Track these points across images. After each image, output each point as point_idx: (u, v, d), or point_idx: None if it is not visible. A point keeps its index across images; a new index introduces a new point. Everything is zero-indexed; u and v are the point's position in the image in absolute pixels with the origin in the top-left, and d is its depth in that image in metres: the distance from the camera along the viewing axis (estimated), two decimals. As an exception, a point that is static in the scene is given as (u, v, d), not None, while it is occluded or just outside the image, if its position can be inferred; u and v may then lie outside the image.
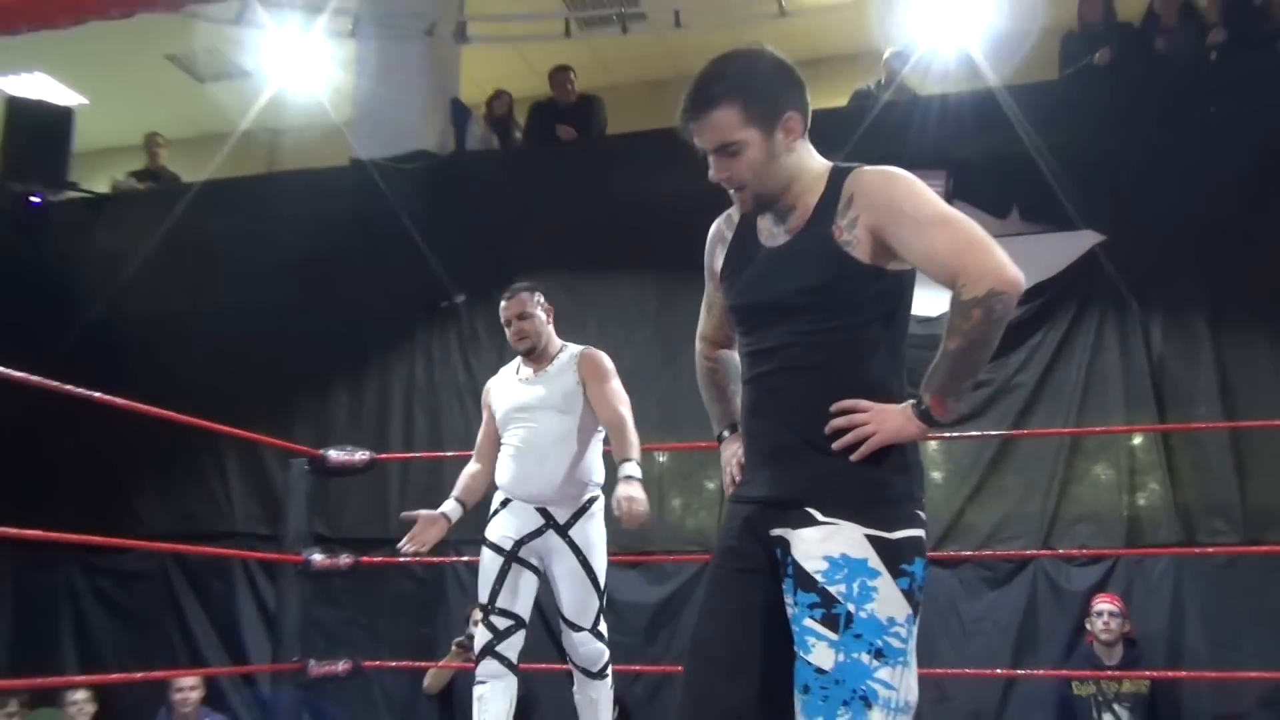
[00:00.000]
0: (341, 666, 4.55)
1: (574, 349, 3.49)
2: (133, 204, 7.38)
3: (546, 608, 5.35)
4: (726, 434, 2.07)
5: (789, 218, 1.83)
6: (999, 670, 4.75)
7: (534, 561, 3.35)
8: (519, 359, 3.53)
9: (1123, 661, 4.50)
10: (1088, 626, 4.61)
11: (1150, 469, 4.94)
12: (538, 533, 3.32)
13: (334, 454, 4.64)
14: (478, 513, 3.54)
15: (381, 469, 5.06)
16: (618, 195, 5.83)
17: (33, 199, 6.96)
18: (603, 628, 3.37)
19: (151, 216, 7.12)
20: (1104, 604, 4.56)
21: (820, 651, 1.66)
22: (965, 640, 4.92)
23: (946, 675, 4.70)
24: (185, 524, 6.18)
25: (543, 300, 3.53)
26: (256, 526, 6.08)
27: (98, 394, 3.65)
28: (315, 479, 4.79)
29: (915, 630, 1.71)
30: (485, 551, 3.38)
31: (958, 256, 1.69)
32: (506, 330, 3.50)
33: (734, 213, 1.96)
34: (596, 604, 3.34)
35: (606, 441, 3.44)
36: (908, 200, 1.74)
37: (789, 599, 1.73)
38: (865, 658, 1.65)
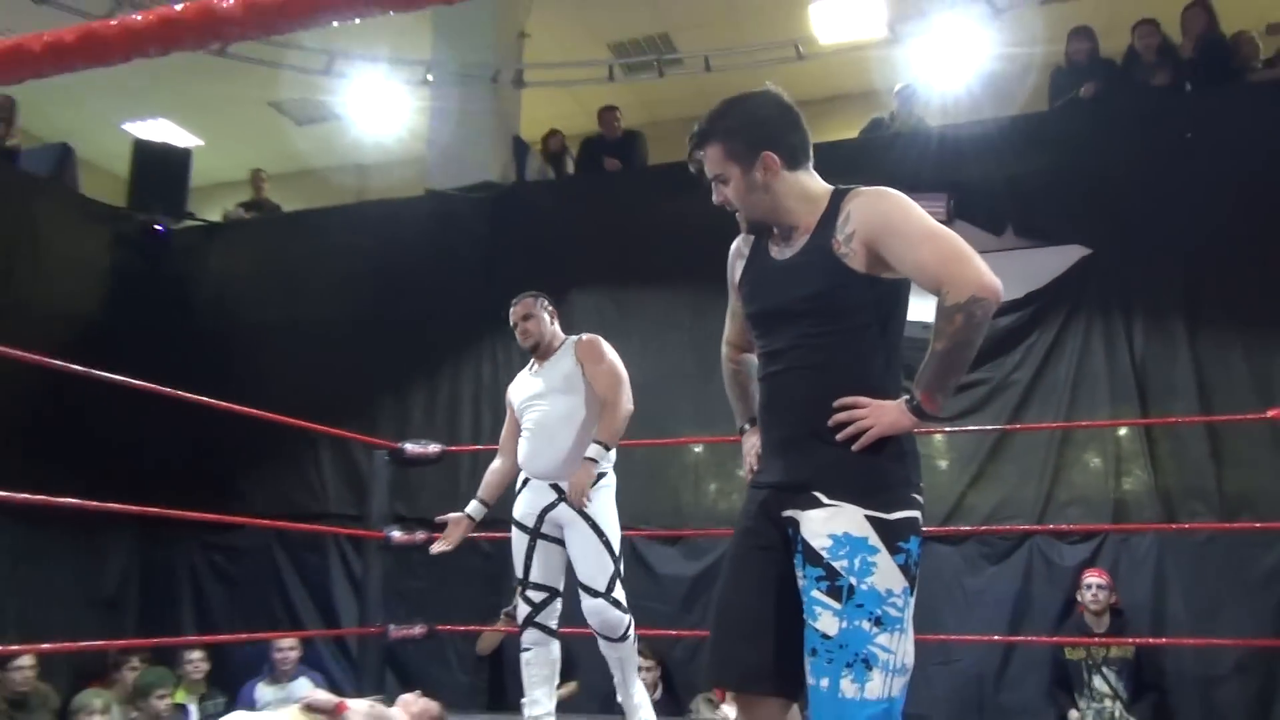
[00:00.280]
0: (418, 630, 4.57)
1: (573, 338, 3.41)
2: (240, 231, 7.47)
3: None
4: (747, 427, 2.08)
5: (793, 235, 1.84)
6: (998, 637, 4.67)
7: (555, 534, 3.26)
8: (532, 360, 3.48)
9: (1110, 629, 4.41)
10: (1078, 598, 4.51)
11: (1134, 457, 4.84)
12: (552, 505, 3.23)
13: (410, 447, 4.67)
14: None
15: (452, 459, 5.07)
16: (657, 219, 5.80)
17: (156, 227, 7.06)
18: (619, 594, 3.18)
19: (256, 241, 7.25)
20: (1093, 578, 4.46)
21: (826, 619, 1.67)
22: (968, 610, 4.84)
23: (951, 641, 4.63)
24: (286, 506, 6.23)
25: (546, 304, 3.45)
26: (346, 508, 6.12)
27: (209, 399, 3.70)
28: (395, 467, 4.82)
29: (912, 601, 1.71)
30: (514, 530, 3.34)
31: (942, 267, 1.70)
32: (515, 332, 3.45)
33: None
34: (610, 569, 3.17)
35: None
36: (898, 216, 1.75)
37: (799, 572, 1.73)
38: (866, 625, 1.65)
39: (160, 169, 7.15)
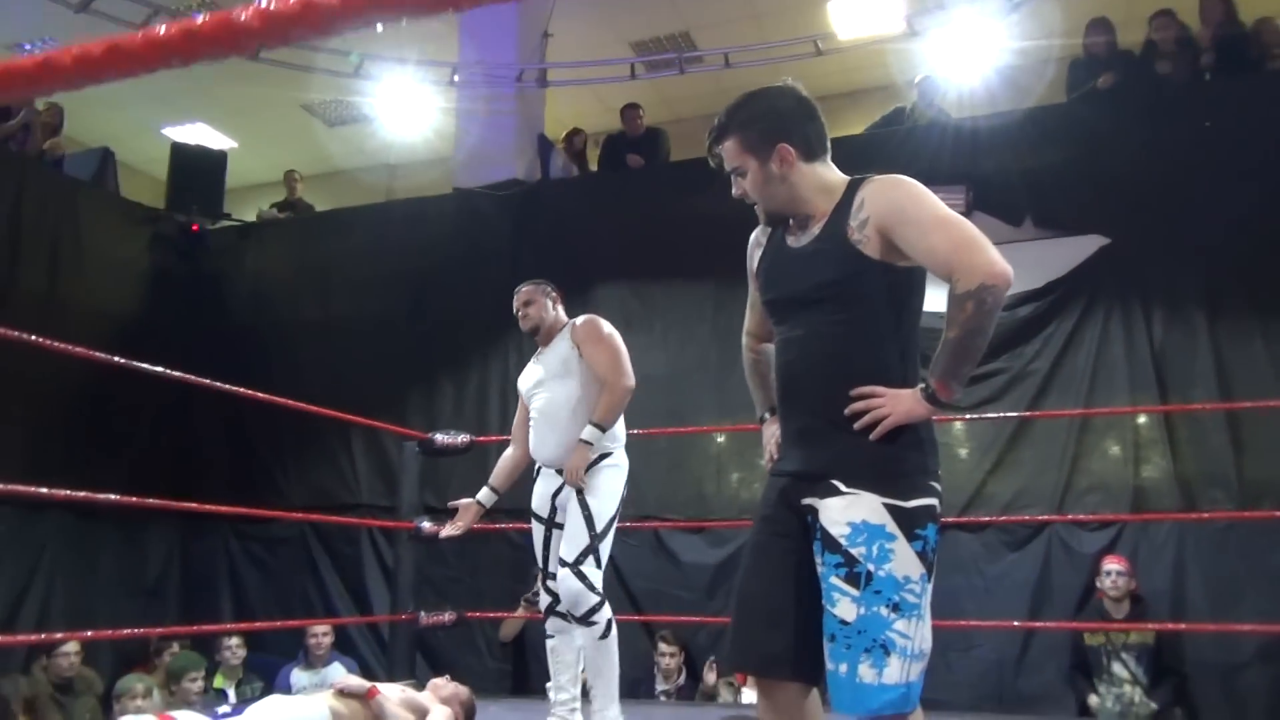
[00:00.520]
0: (448, 617, 4.59)
1: (572, 321, 3.30)
2: (275, 230, 7.53)
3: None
4: (767, 416, 2.07)
5: (810, 223, 1.83)
6: (1018, 623, 4.62)
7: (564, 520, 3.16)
8: (539, 348, 3.40)
9: (1129, 616, 4.35)
10: (1098, 585, 4.46)
11: (1153, 445, 4.77)
12: (559, 490, 3.17)
13: (439, 437, 4.69)
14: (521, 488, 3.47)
15: (480, 449, 5.09)
16: (679, 214, 5.79)
17: (193, 227, 7.14)
18: (588, 570, 2.98)
19: (290, 240, 7.30)
20: (1112, 564, 4.41)
21: (844, 605, 1.66)
22: (988, 597, 4.80)
23: (972, 627, 4.60)
24: (319, 497, 6.28)
25: (550, 290, 3.37)
26: (378, 499, 6.16)
27: (246, 390, 3.73)
28: (425, 458, 4.84)
29: (930, 587, 1.69)
30: (532, 520, 3.29)
31: (953, 253, 1.68)
32: (518, 318, 3.39)
33: None
34: (584, 543, 3.00)
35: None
36: (911, 204, 1.73)
37: (818, 559, 1.72)
38: (884, 611, 1.64)
39: (197, 171, 7.23)
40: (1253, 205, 4.73)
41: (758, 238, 1.99)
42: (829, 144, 1.86)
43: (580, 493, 3.06)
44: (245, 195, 8.63)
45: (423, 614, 4.54)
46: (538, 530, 3.27)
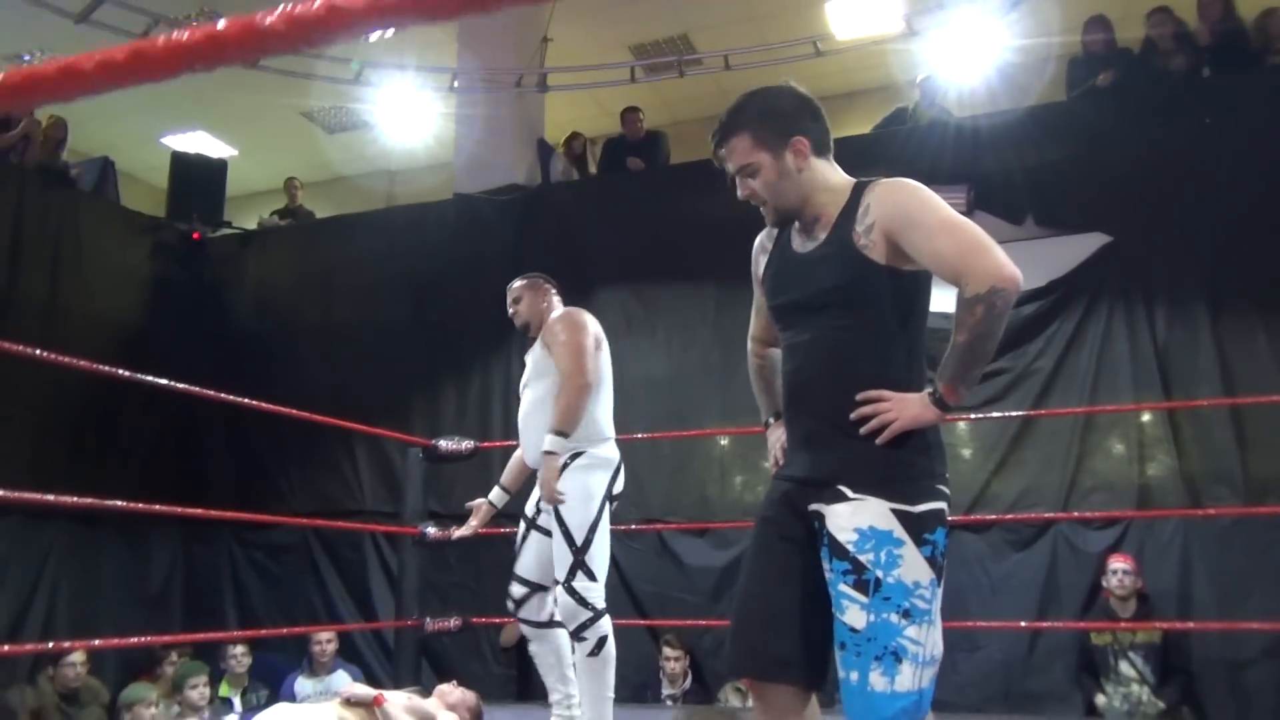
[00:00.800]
0: (453, 623, 4.58)
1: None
2: (275, 237, 7.53)
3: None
4: (772, 420, 2.06)
5: (815, 227, 1.82)
6: (1025, 623, 4.62)
7: (547, 525, 3.05)
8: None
9: (1136, 614, 4.34)
10: (1104, 583, 4.46)
11: (1158, 442, 4.77)
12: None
13: (443, 444, 4.68)
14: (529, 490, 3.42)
15: (484, 455, 5.09)
16: (680, 217, 5.80)
17: (194, 236, 7.15)
18: (581, 586, 2.88)
19: (291, 247, 7.31)
20: (1118, 563, 4.40)
21: (853, 613, 1.64)
22: (994, 597, 4.80)
23: (978, 628, 4.59)
24: (323, 503, 6.29)
25: (541, 283, 3.30)
26: (382, 505, 6.16)
27: (248, 400, 3.74)
28: (428, 464, 4.84)
29: (939, 592, 1.68)
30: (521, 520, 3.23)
31: (961, 258, 1.67)
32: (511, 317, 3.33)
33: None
34: (569, 559, 2.89)
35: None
36: (917, 208, 1.72)
37: (825, 565, 1.70)
38: (894, 618, 1.63)
39: (197, 180, 7.26)
40: (1254, 201, 4.73)
41: (763, 243, 1.98)
42: (832, 144, 1.86)
43: (555, 508, 2.94)
44: (246, 203, 8.64)
45: (428, 620, 4.53)
46: (521, 529, 3.20)
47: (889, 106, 6.43)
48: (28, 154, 6.33)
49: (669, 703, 4.90)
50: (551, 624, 3.13)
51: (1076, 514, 4.75)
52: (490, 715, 3.37)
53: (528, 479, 3.40)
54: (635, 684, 5.19)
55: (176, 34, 0.64)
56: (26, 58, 6.43)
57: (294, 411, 4.09)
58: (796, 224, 1.86)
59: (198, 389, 3.57)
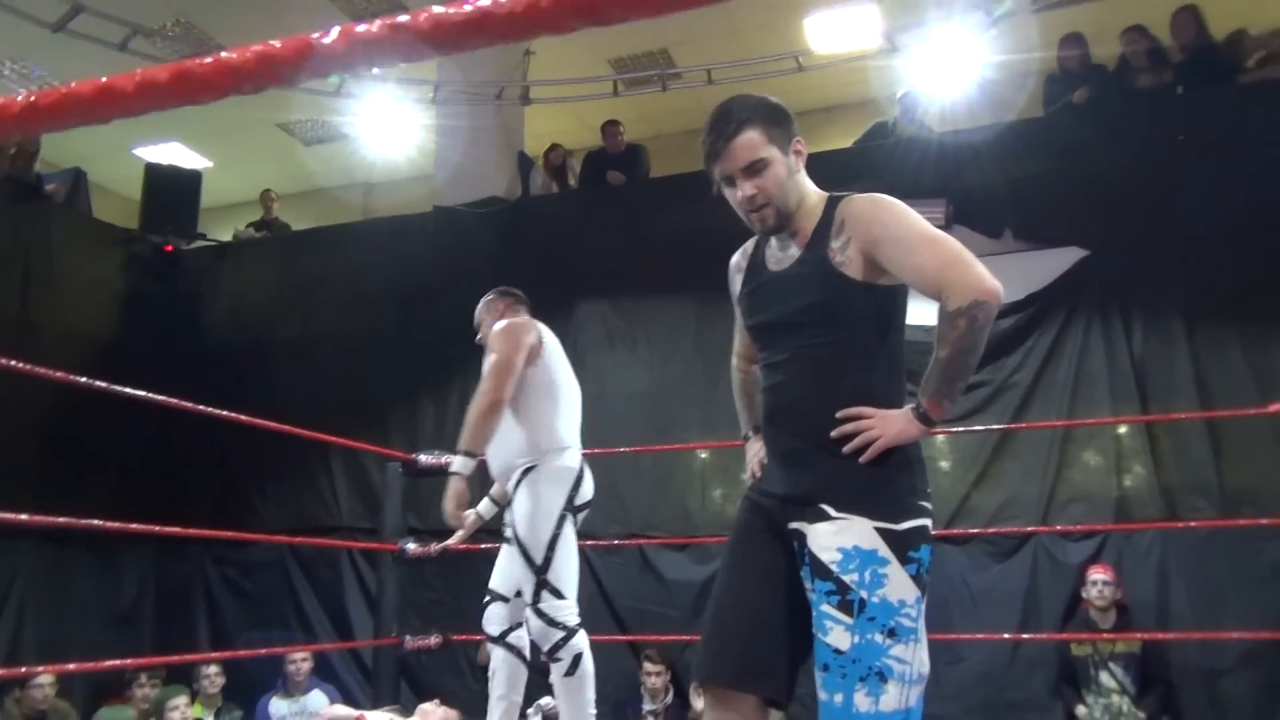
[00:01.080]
0: (434, 640, 4.56)
1: None
2: (251, 250, 7.51)
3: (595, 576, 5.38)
4: (750, 434, 2.07)
5: (791, 244, 1.81)
6: (1006, 635, 4.66)
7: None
8: None
9: (1116, 625, 4.40)
10: (1083, 594, 4.51)
11: (1135, 454, 4.84)
12: (509, 504, 3.01)
13: (423, 458, 4.63)
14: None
15: (464, 469, 5.07)
16: (661, 229, 5.83)
17: (168, 248, 7.11)
18: (548, 606, 2.79)
19: (266, 260, 7.29)
20: (1098, 574, 4.46)
21: (838, 634, 1.63)
22: (975, 609, 4.84)
23: (960, 640, 4.63)
24: (298, 520, 6.25)
25: (497, 300, 3.26)
26: (359, 521, 6.14)
27: (224, 412, 3.72)
28: (408, 479, 4.82)
29: (923, 608, 1.68)
30: None
31: (941, 272, 1.67)
32: None
33: (748, 245, 1.96)
34: (532, 579, 2.81)
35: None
36: (894, 223, 1.72)
37: (807, 585, 1.70)
38: (879, 638, 1.62)
39: (171, 191, 7.22)
40: (1228, 215, 4.83)
41: (738, 262, 1.97)
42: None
43: (513, 525, 2.89)
44: (221, 215, 8.61)
45: (408, 637, 4.51)
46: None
47: (869, 121, 6.51)
48: (-1, 166, 6.29)
49: (650, 718, 4.90)
50: (500, 639, 3.12)
51: (1057, 527, 4.81)
52: (471, 733, 3.37)
53: None
54: (616, 700, 5.18)
55: (227, 53, 0.64)
56: (5, 71, 6.40)
57: (271, 424, 4.06)
58: (772, 240, 1.85)
59: (173, 400, 3.54)
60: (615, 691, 5.23)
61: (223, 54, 0.65)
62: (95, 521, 3.66)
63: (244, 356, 6.67)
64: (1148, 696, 4.30)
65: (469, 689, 5.62)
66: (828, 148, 5.92)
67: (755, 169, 1.74)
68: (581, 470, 2.98)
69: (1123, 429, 4.90)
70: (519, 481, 2.92)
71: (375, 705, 4.06)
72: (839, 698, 1.62)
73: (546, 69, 6.98)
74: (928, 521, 1.71)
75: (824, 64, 6.93)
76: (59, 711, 4.88)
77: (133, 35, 5.94)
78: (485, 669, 5.47)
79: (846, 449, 1.69)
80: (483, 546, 4.93)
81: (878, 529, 1.65)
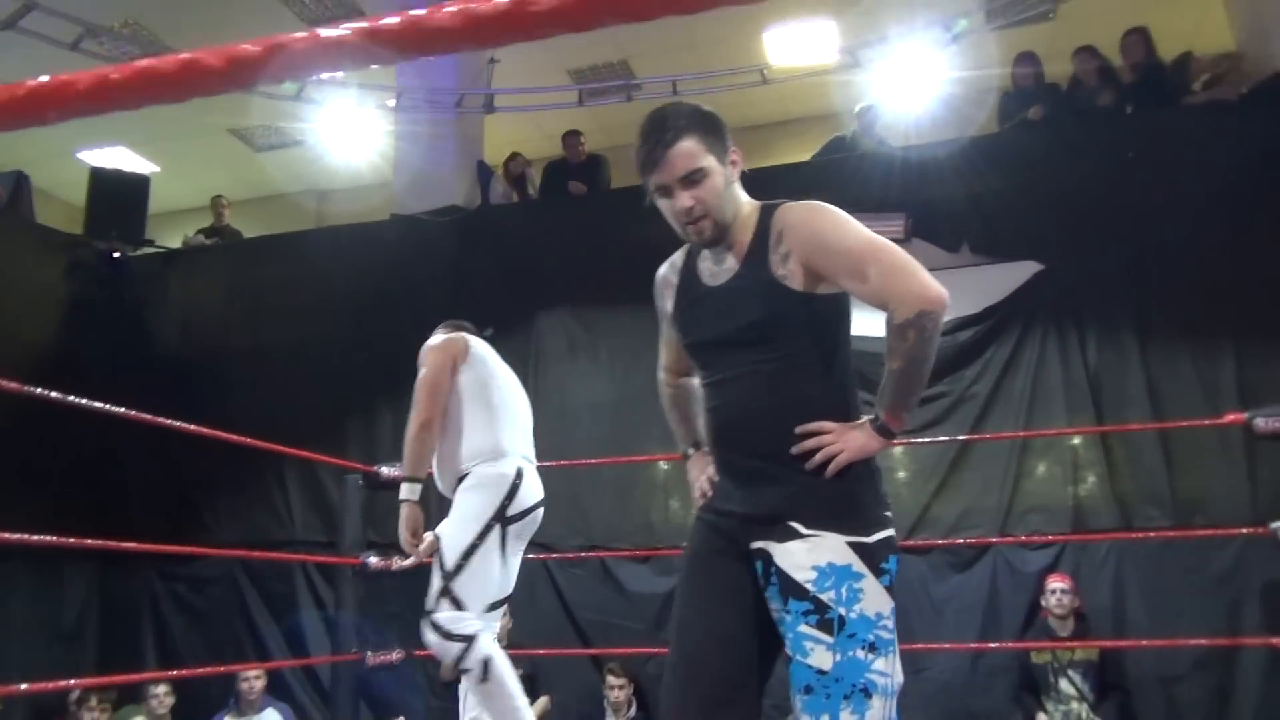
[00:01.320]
0: (395, 655, 4.48)
1: None
2: (201, 257, 7.36)
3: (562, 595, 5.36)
4: (691, 451, 2.01)
5: (727, 256, 1.77)
6: (974, 645, 4.73)
7: None
8: None
9: (1074, 633, 4.49)
10: (1042, 603, 4.60)
11: (1091, 464, 4.95)
12: None
13: (385, 470, 4.57)
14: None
15: (425, 482, 5.01)
16: (621, 240, 5.79)
17: (114, 255, 6.94)
18: (444, 617, 2.71)
19: (217, 267, 7.15)
20: (1056, 583, 4.55)
21: (819, 654, 1.61)
22: (936, 618, 4.90)
23: (921, 650, 4.68)
24: (251, 534, 6.10)
25: (439, 330, 3.17)
26: (314, 535, 6.03)
27: (174, 422, 3.63)
28: (367, 491, 4.75)
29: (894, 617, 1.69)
30: None
31: (886, 282, 1.64)
32: None
33: (676, 258, 1.91)
34: (439, 583, 2.74)
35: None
36: (834, 232, 1.69)
37: (775, 606, 1.67)
38: (861, 653, 1.61)
39: (117, 196, 7.04)
40: (1179, 231, 4.97)
41: (666, 276, 1.91)
42: None
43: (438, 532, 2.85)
44: (170, 221, 8.44)
45: (368, 654, 4.43)
46: None
47: (827, 134, 6.59)
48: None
49: (614, 732, 4.88)
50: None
51: (1015, 537, 4.89)
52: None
53: None
54: (580, 714, 5.16)
55: (237, 45, 0.62)
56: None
57: (222, 434, 3.96)
58: (705, 252, 1.80)
59: (120, 410, 3.44)
60: (578, 705, 5.20)
61: (188, 54, 0.63)
62: (35, 536, 3.54)
63: (194, 366, 6.52)
64: (1105, 703, 4.39)
65: (428, 705, 5.55)
66: (786, 160, 6.00)
67: (693, 179, 1.69)
68: (519, 478, 2.89)
69: (1078, 440, 5.00)
70: (454, 490, 2.90)
71: (334, 723, 3.99)
72: (825, 719, 1.60)
73: (504, 78, 6.97)
74: (893, 531, 1.70)
75: (789, 78, 7.02)
76: (-3, 734, 4.73)
77: (85, 34, 5.81)
78: (447, 685, 5.44)
79: (809, 465, 1.66)
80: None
81: (850, 543, 1.63)
